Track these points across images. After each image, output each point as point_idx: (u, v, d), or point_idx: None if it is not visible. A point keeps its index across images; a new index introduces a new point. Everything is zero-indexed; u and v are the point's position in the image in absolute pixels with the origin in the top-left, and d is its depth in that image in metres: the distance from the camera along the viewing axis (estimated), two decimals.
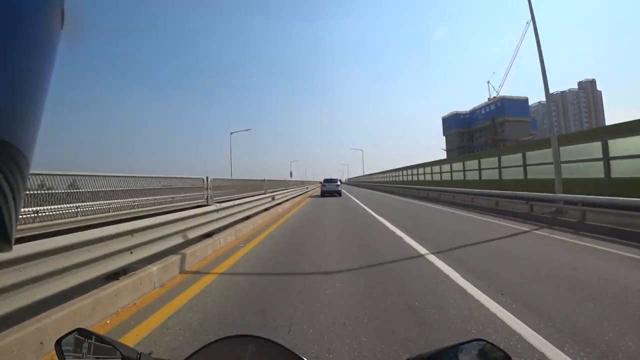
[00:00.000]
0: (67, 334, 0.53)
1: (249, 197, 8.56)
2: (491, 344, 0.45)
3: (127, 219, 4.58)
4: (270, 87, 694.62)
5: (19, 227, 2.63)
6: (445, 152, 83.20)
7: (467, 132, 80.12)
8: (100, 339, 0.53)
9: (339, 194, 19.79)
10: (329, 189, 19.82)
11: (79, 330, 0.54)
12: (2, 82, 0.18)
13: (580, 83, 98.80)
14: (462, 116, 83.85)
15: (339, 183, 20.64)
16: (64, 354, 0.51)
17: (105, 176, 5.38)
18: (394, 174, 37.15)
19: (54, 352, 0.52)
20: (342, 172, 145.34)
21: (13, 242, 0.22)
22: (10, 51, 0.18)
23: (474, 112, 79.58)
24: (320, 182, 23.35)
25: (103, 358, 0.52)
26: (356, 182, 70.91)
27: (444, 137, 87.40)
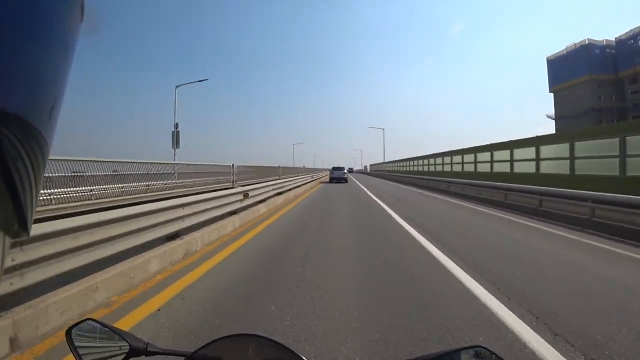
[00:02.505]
0: (76, 324, 0.56)
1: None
2: (492, 352, 0.46)
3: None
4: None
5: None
6: (553, 122, 44.82)
7: (612, 79, 39.85)
8: (108, 329, 0.56)
9: (346, 180, 22.75)
10: (337, 176, 22.67)
11: (88, 320, 0.57)
12: (24, 73, 0.19)
13: None
14: (597, 51, 41.36)
15: (345, 171, 24.17)
16: (74, 342, 0.54)
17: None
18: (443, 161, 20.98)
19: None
20: (354, 160, 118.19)
21: (30, 228, 0.22)
22: (31, 43, 0.19)
23: (628, 40, 38.57)
24: (329, 170, 26.28)
25: (111, 347, 0.55)
26: (380, 173, 44.04)
27: (552, 96, 45.58)
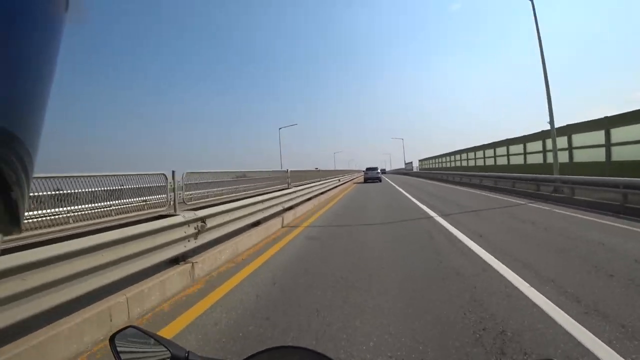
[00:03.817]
0: (119, 330, 0.58)
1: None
2: None
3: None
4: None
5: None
6: None
7: None
8: (150, 336, 0.58)
9: (380, 180, 24.48)
10: (371, 176, 24.43)
11: (131, 328, 0.59)
12: (4, 70, 0.17)
13: None
14: None
15: (379, 171, 26.10)
16: (118, 349, 0.55)
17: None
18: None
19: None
20: (389, 156, 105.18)
21: (22, 224, 0.22)
22: (12, 36, 0.17)
23: None
24: (363, 171, 27.48)
25: (153, 354, 0.57)
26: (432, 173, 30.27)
27: None
